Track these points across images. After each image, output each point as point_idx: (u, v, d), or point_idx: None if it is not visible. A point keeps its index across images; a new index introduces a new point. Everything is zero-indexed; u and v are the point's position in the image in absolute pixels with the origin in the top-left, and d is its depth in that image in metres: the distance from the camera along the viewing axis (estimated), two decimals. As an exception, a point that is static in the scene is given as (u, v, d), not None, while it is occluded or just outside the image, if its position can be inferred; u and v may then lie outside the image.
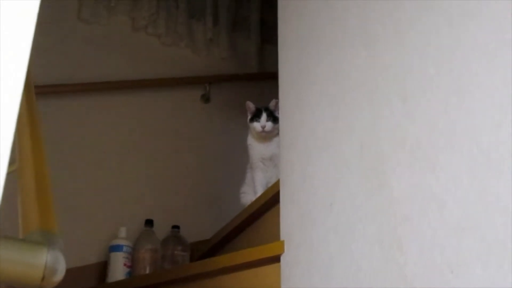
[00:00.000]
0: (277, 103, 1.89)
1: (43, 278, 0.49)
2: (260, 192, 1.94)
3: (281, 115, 1.68)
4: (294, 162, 1.55)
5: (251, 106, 2.07)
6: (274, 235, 1.56)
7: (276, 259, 1.49)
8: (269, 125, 1.99)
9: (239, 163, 2.30)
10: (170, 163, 2.57)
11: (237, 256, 1.61)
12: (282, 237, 1.51)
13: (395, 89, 1.20)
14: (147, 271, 2.16)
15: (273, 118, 1.99)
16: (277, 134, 1.94)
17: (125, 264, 2.15)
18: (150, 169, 2.50)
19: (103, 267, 2.19)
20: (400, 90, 1.19)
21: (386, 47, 1.25)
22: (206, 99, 2.80)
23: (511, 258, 0.85)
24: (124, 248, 2.18)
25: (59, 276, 0.52)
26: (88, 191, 2.30)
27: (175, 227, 2.30)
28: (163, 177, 2.52)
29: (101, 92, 2.49)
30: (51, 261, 0.50)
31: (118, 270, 2.14)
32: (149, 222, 2.27)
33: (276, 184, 1.69)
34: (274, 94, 1.90)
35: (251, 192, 2.04)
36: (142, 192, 2.43)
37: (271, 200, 1.76)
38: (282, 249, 1.48)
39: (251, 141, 2.06)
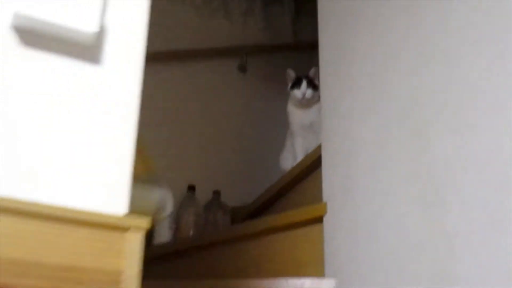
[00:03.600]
0: (316, 71, 1.94)
1: (156, 211, 0.57)
2: (300, 157, 2.00)
3: (321, 82, 1.73)
4: (336, 127, 1.61)
5: (291, 74, 2.12)
6: (316, 199, 1.63)
7: (319, 220, 1.56)
8: (309, 92, 2.04)
9: (277, 130, 2.37)
10: (210, 131, 2.65)
11: (280, 217, 1.68)
12: (324, 199, 1.57)
13: (437, 55, 1.25)
14: (191, 234, 2.26)
15: (313, 85, 2.04)
16: (317, 101, 1.99)
17: (170, 228, 2.25)
18: (192, 136, 2.58)
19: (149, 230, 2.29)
20: (442, 55, 1.23)
21: (428, 12, 1.30)
22: (243, 69, 2.86)
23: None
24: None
25: (169, 209, 0.59)
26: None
27: (216, 192, 2.39)
28: (205, 144, 2.60)
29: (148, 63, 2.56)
30: (161, 197, 0.58)
31: (163, 233, 2.24)
32: (191, 188, 2.36)
33: (317, 150, 1.75)
34: (309, 63, 1.95)
35: (291, 158, 2.10)
36: (185, 159, 2.52)
37: (312, 165, 1.83)
38: (324, 211, 1.54)
39: (291, 108, 2.12)
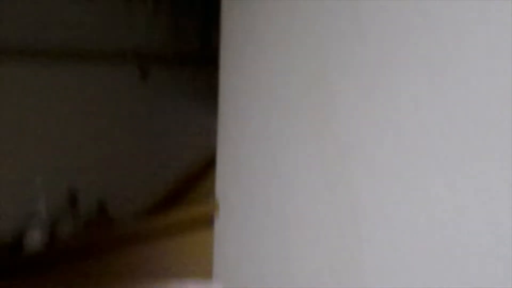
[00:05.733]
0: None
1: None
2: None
3: (221, 75, 1.59)
4: (232, 123, 1.47)
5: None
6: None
7: (210, 220, 1.40)
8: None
9: (173, 139, 2.21)
10: (104, 136, 2.44)
11: (166, 217, 1.51)
12: (217, 197, 1.42)
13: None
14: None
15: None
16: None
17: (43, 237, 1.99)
18: (82, 140, 2.36)
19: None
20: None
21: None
22: (143, 75, 2.69)
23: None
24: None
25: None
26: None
27: (101, 202, 2.17)
28: (93, 149, 2.38)
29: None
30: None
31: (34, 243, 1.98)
32: (73, 196, 2.12)
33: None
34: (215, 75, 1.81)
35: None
36: (68, 164, 2.28)
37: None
38: (216, 210, 1.39)
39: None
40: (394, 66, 0.97)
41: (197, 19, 2.89)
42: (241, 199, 1.34)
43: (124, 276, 1.45)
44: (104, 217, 2.07)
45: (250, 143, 1.38)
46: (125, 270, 1.47)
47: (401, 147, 0.93)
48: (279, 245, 1.19)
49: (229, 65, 1.58)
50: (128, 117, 2.54)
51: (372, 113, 0.99)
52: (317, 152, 1.12)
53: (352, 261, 0.98)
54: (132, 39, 2.71)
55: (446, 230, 0.83)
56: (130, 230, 1.55)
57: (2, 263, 1.92)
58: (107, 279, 1.48)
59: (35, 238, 1.91)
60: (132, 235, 1.53)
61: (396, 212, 0.91)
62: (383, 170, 0.95)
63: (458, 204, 0.82)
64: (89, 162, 2.29)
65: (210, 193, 1.48)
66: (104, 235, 1.66)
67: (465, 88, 0.82)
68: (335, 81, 1.10)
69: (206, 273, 1.36)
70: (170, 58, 2.80)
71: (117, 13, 2.68)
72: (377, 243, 0.94)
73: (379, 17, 1.02)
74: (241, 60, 1.51)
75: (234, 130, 1.46)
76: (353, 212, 1.00)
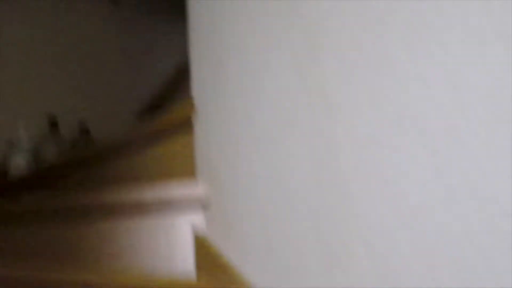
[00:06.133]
0: None
1: None
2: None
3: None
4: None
5: None
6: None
7: (188, 122, 1.38)
8: None
9: (148, 61, 2.15)
10: (79, 63, 2.38)
11: (144, 126, 1.48)
12: (193, 97, 1.39)
13: None
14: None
15: None
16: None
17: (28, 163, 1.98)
18: (57, 67, 2.31)
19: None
20: None
21: None
22: (114, 1, 2.60)
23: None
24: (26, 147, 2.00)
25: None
26: None
27: (83, 125, 2.14)
28: (71, 76, 2.34)
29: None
30: None
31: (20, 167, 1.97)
32: (53, 121, 2.09)
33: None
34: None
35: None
36: (47, 90, 2.24)
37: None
38: (194, 110, 1.36)
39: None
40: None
41: None
42: (217, 101, 1.31)
43: (110, 184, 1.45)
44: (86, 137, 2.05)
45: (223, 44, 1.33)
46: (110, 179, 1.47)
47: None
48: (261, 143, 1.18)
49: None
50: (101, 40, 2.48)
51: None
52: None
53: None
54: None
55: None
56: (112, 143, 1.53)
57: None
58: (93, 188, 1.48)
59: (19, 164, 1.89)
60: (115, 147, 1.51)
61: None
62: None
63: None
64: (66, 87, 2.25)
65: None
66: (86, 151, 1.63)
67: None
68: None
69: (191, 174, 1.36)
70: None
71: None
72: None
73: None
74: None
75: (205, 31, 1.41)
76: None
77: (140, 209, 1.27)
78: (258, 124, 1.16)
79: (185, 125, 1.37)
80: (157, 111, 1.80)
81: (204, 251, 1.20)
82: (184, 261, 1.24)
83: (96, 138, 2.10)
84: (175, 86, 1.68)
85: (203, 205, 1.30)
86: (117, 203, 1.25)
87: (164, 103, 1.75)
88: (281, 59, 1.09)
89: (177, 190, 1.27)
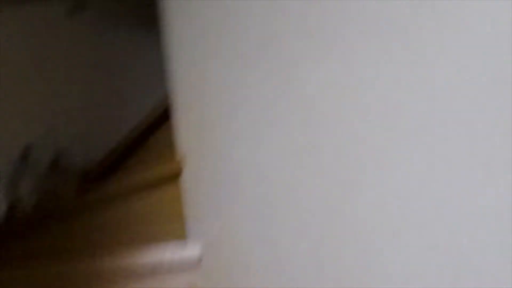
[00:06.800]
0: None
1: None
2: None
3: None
4: (188, 70, 1.37)
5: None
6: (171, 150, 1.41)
7: (176, 177, 1.34)
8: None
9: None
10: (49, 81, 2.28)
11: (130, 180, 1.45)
12: (181, 153, 1.35)
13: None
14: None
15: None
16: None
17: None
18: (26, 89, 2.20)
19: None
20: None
21: None
22: (80, 7, 2.49)
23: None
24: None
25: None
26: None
27: (58, 154, 2.06)
28: (43, 99, 2.23)
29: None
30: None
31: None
32: (27, 149, 2.01)
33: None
34: None
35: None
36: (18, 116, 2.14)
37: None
38: (182, 166, 1.33)
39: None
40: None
41: None
42: (205, 153, 1.28)
43: (91, 244, 1.41)
44: (57, 172, 1.98)
45: (207, 91, 1.29)
46: (95, 237, 1.43)
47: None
48: (252, 198, 1.16)
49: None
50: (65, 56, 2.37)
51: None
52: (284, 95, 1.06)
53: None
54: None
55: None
56: (90, 197, 1.49)
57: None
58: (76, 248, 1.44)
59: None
60: (92, 201, 1.48)
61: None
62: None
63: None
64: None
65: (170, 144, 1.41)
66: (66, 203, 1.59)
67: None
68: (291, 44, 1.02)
69: (179, 230, 1.33)
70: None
71: None
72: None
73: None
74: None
75: (189, 79, 1.36)
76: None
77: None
78: (248, 191, 1.15)
79: (172, 179, 1.34)
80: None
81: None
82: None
83: (67, 170, 2.03)
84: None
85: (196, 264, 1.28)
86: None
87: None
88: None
89: (170, 253, 1.25)
